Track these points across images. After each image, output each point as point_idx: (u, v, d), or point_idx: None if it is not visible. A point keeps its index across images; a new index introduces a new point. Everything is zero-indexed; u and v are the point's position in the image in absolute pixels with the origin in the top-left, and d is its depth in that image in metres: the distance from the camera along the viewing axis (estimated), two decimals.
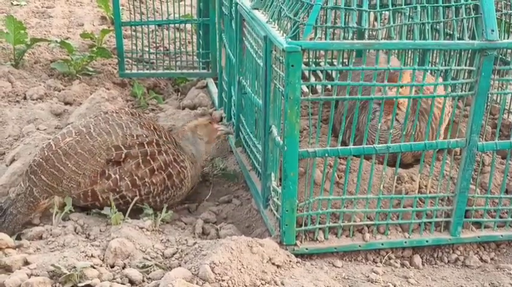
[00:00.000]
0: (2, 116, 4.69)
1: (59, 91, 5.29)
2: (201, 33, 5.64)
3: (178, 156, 3.53)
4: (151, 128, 3.53)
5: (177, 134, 3.79)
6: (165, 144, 3.50)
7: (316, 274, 2.87)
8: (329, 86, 4.68)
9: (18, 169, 3.83)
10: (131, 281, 2.72)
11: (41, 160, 3.37)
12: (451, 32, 4.13)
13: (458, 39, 3.01)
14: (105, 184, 3.34)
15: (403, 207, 3.15)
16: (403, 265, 3.16)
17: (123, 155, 3.35)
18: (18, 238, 3.20)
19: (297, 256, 2.99)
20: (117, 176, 3.34)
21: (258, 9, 3.29)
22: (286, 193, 2.90)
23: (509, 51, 4.06)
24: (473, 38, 2.95)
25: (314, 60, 5.18)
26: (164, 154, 3.45)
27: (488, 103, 3.23)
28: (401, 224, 3.18)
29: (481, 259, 3.24)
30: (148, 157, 3.39)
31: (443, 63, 3.82)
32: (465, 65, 3.95)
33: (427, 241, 3.17)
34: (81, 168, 3.34)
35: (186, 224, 3.50)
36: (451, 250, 3.26)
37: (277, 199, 3.06)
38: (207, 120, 3.88)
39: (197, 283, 2.61)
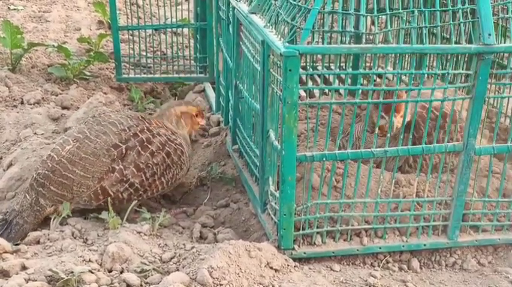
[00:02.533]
0: None
1: (56, 96, 5.28)
2: (198, 37, 5.64)
3: (170, 135, 3.64)
4: (139, 118, 3.63)
5: (164, 116, 3.82)
6: (156, 129, 3.60)
7: (314, 278, 2.87)
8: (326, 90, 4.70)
9: (15, 174, 3.83)
10: (129, 286, 2.71)
11: (46, 172, 3.40)
12: (448, 36, 4.15)
13: (456, 43, 3.02)
14: (112, 177, 3.40)
15: (401, 211, 3.15)
16: (401, 268, 3.16)
17: (123, 151, 3.42)
18: (16, 243, 3.20)
19: (294, 260, 2.99)
20: (122, 167, 3.41)
21: (255, 13, 3.30)
22: (284, 197, 2.90)
23: (506, 55, 4.07)
24: (470, 42, 2.97)
25: (311, 64, 5.19)
26: (158, 136, 3.56)
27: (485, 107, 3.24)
28: (399, 228, 3.19)
29: (478, 262, 3.24)
30: (145, 143, 3.49)
31: (441, 67, 3.83)
32: (462, 69, 3.96)
33: (424, 245, 3.17)
34: (89, 171, 3.38)
35: (183, 228, 3.50)
36: (448, 254, 3.26)
37: (275, 203, 3.06)
38: (195, 111, 3.92)
39: None
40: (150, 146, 3.49)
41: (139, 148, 3.46)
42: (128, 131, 3.49)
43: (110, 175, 3.40)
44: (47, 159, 3.46)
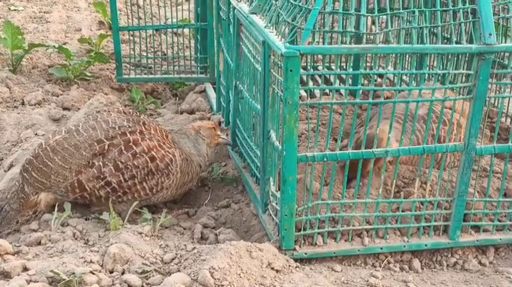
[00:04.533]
0: (0, 121, 4.69)
1: (57, 96, 5.29)
2: (198, 37, 5.64)
3: (164, 143, 3.54)
4: (140, 123, 3.54)
5: (178, 132, 3.81)
6: (151, 134, 3.51)
7: (316, 278, 2.87)
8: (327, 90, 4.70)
9: (16, 175, 3.82)
10: None
11: (31, 157, 3.45)
12: (449, 36, 4.15)
13: (456, 43, 3.02)
14: (90, 172, 3.37)
15: (402, 211, 3.15)
16: (402, 269, 3.16)
17: (106, 147, 3.38)
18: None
19: (296, 260, 2.99)
20: (101, 164, 3.37)
21: (256, 14, 3.29)
22: (285, 197, 2.90)
23: (506, 54, 4.07)
24: (471, 41, 2.96)
25: (312, 64, 5.19)
26: (148, 140, 3.46)
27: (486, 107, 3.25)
28: (400, 228, 3.19)
29: (479, 262, 3.24)
30: (131, 144, 3.41)
31: (441, 67, 3.83)
32: (463, 69, 3.96)
33: (426, 245, 3.17)
34: (68, 162, 3.38)
35: (184, 229, 3.50)
36: (449, 254, 3.26)
37: (276, 203, 3.06)
38: (212, 125, 3.89)
39: None
40: (134, 147, 3.41)
41: (123, 147, 3.40)
42: (116, 129, 3.44)
43: (87, 170, 3.38)
44: (37, 146, 3.51)
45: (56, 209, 3.35)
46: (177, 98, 5.71)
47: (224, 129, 4.36)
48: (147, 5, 5.90)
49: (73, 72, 5.64)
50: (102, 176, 3.38)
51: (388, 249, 3.15)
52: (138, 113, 3.70)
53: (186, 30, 6.50)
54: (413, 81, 2.93)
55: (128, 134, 3.43)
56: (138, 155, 3.41)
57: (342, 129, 2.89)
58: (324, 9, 2.74)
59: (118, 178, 3.39)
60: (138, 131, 3.47)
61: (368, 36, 4.57)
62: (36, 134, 4.44)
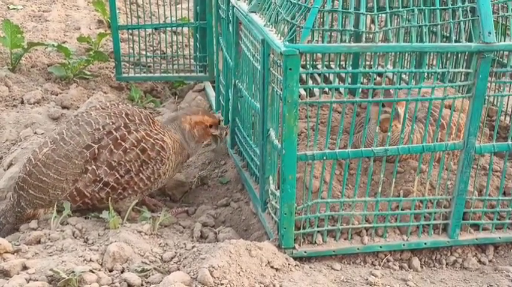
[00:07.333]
0: None
1: (56, 95, 5.29)
2: (198, 36, 5.64)
3: (151, 131, 3.50)
4: (123, 115, 3.50)
5: (172, 123, 3.75)
6: (136, 125, 3.48)
7: (315, 277, 2.87)
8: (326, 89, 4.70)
9: (15, 174, 3.82)
10: (130, 286, 2.71)
11: (24, 175, 3.42)
12: (448, 35, 4.15)
13: (456, 41, 3.02)
14: (85, 178, 3.36)
15: (402, 210, 3.15)
16: (401, 267, 3.16)
17: (96, 151, 3.36)
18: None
19: (295, 259, 2.99)
20: (94, 167, 3.35)
21: (255, 12, 3.29)
22: (284, 196, 2.90)
23: (506, 53, 4.07)
24: (470, 40, 2.96)
25: (311, 63, 5.18)
26: (135, 133, 3.43)
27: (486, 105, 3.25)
28: (400, 227, 3.19)
29: (479, 261, 3.24)
30: (119, 141, 3.39)
31: (441, 65, 3.83)
32: (462, 68, 3.96)
33: (425, 244, 3.17)
34: (63, 174, 3.36)
35: (184, 227, 3.50)
36: (449, 252, 3.26)
37: (276, 202, 3.06)
38: (211, 122, 3.82)
39: None
40: (123, 144, 3.38)
41: (112, 146, 3.37)
42: (101, 130, 3.40)
43: (83, 176, 3.36)
44: (26, 162, 3.48)
45: (55, 208, 3.35)
46: (177, 97, 5.71)
47: (224, 128, 4.36)
48: (146, 3, 5.88)
49: (72, 71, 5.64)
50: (98, 179, 3.36)
51: (387, 248, 3.15)
52: (117, 104, 3.66)
53: (186, 29, 6.50)
54: (412, 80, 2.93)
55: (114, 132, 3.40)
56: (128, 150, 3.39)
57: (342, 128, 2.90)
58: (323, 8, 2.74)
59: (114, 176, 3.38)
60: (122, 125, 3.43)
61: (367, 35, 4.58)
62: (35, 133, 4.44)
